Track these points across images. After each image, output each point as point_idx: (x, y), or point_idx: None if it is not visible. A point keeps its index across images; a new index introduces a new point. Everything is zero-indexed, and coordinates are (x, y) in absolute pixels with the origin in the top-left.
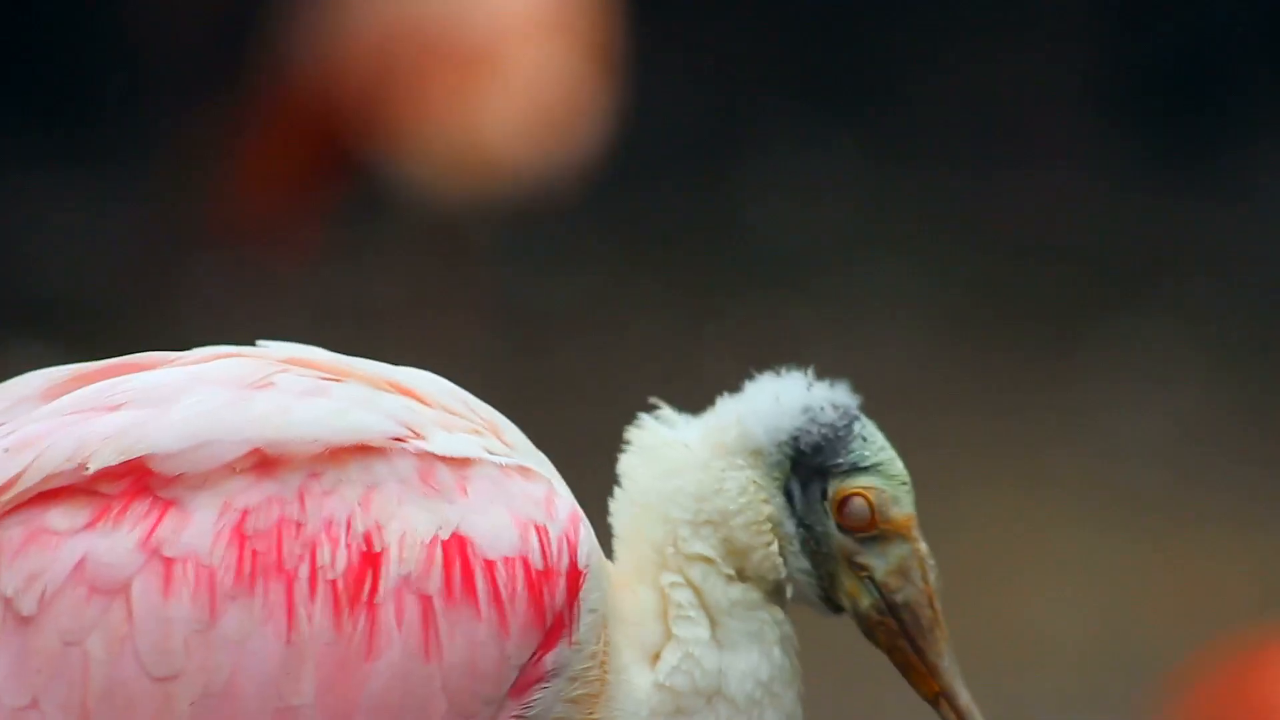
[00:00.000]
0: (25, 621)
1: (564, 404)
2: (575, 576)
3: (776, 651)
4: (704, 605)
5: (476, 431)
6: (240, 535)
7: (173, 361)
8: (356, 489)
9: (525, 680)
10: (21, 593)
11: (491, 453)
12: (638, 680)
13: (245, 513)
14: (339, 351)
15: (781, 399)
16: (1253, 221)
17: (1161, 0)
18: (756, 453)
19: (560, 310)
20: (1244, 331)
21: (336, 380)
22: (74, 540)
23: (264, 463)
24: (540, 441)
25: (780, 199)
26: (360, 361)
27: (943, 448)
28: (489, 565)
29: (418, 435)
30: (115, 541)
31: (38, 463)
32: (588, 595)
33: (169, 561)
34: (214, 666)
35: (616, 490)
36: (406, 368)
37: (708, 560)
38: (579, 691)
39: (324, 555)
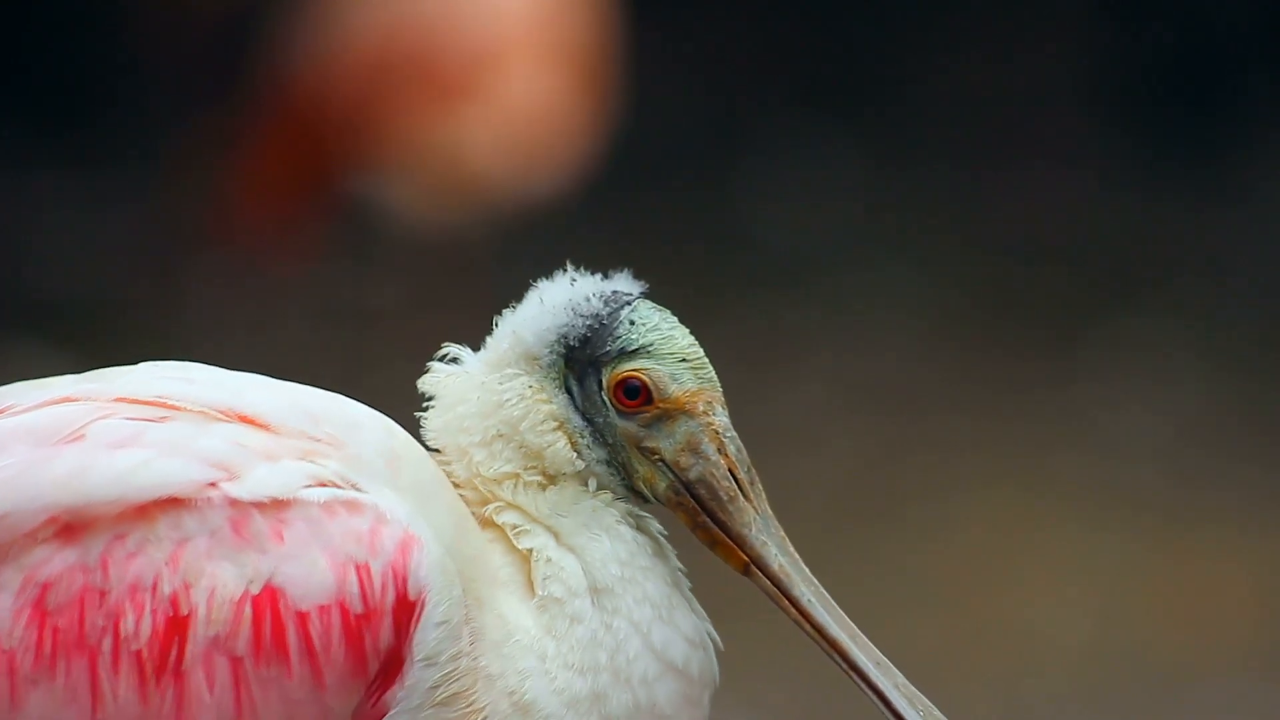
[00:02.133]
0: None
1: None
2: (406, 609)
3: (624, 530)
4: (532, 517)
5: (312, 454)
6: (42, 612)
7: (6, 409)
8: (165, 547)
9: (368, 718)
10: None
11: (322, 484)
12: (525, 621)
13: (46, 586)
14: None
15: (545, 300)
16: (1253, 222)
17: (1161, 0)
18: (530, 357)
19: None
20: (1244, 332)
21: (159, 420)
22: None
23: (66, 529)
24: None
25: (780, 200)
26: (211, 379)
27: (942, 447)
28: (301, 617)
29: (232, 476)
30: None
31: None
32: (432, 613)
33: None
34: None
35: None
36: (259, 379)
37: (512, 476)
38: (449, 691)
39: (128, 624)
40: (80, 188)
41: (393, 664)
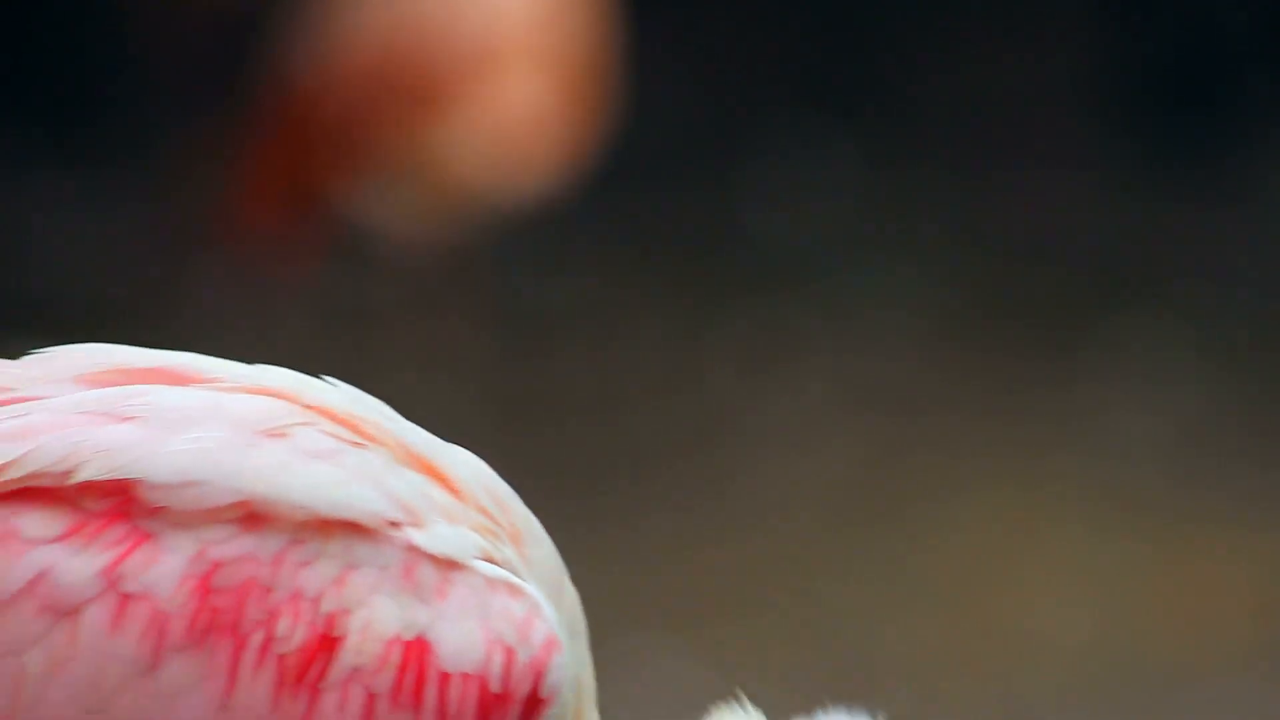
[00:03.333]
0: None
1: (563, 406)
2: (534, 706)
3: None
4: None
5: (491, 533)
6: (205, 586)
7: (215, 379)
8: (334, 566)
9: None
10: None
11: (490, 560)
12: None
13: (217, 565)
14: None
15: None
16: (1253, 223)
17: (1162, 1)
18: None
19: (559, 313)
20: (1244, 333)
21: (358, 445)
22: (41, 551)
23: (251, 516)
24: (540, 445)
25: (780, 200)
26: (406, 428)
27: (942, 448)
28: (444, 677)
29: (415, 523)
30: (80, 563)
31: (26, 458)
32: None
33: (125, 597)
34: (144, 712)
35: None
36: (459, 449)
37: None
38: None
39: (283, 627)
40: (80, 188)
41: None
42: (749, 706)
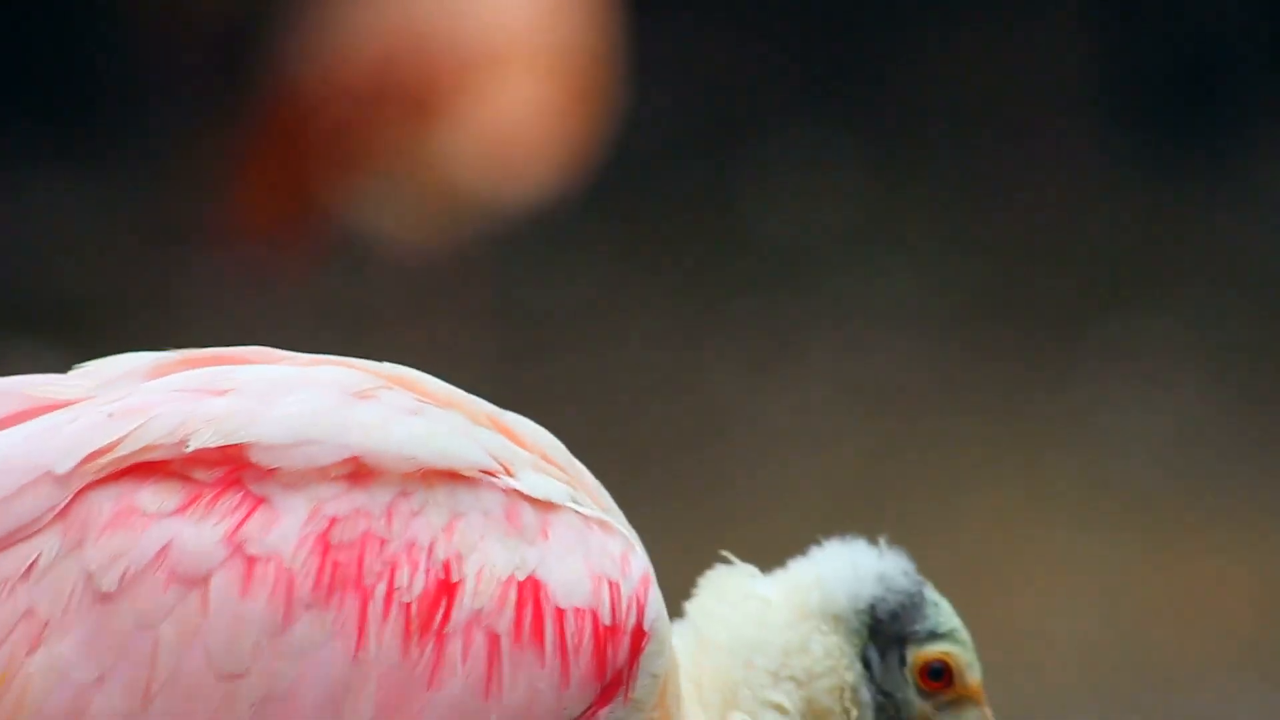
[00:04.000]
0: (104, 599)
1: (564, 406)
2: (640, 637)
3: None
4: None
5: (568, 482)
6: (324, 543)
7: (281, 359)
8: (442, 514)
9: None
10: (104, 570)
11: (577, 503)
12: None
13: (333, 521)
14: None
15: (859, 567)
16: (1253, 222)
17: (1163, 3)
18: (838, 618)
19: (560, 312)
20: (1244, 332)
21: (438, 406)
22: (162, 524)
23: (358, 472)
24: None
25: (780, 200)
26: (463, 395)
27: (942, 448)
28: (559, 613)
29: (509, 472)
30: (202, 531)
31: (139, 431)
32: (650, 658)
33: (251, 560)
34: (279, 672)
35: (684, 623)
36: (510, 412)
37: (782, 710)
38: None
39: (402, 577)
40: (79, 188)
41: (616, 683)
42: (738, 563)
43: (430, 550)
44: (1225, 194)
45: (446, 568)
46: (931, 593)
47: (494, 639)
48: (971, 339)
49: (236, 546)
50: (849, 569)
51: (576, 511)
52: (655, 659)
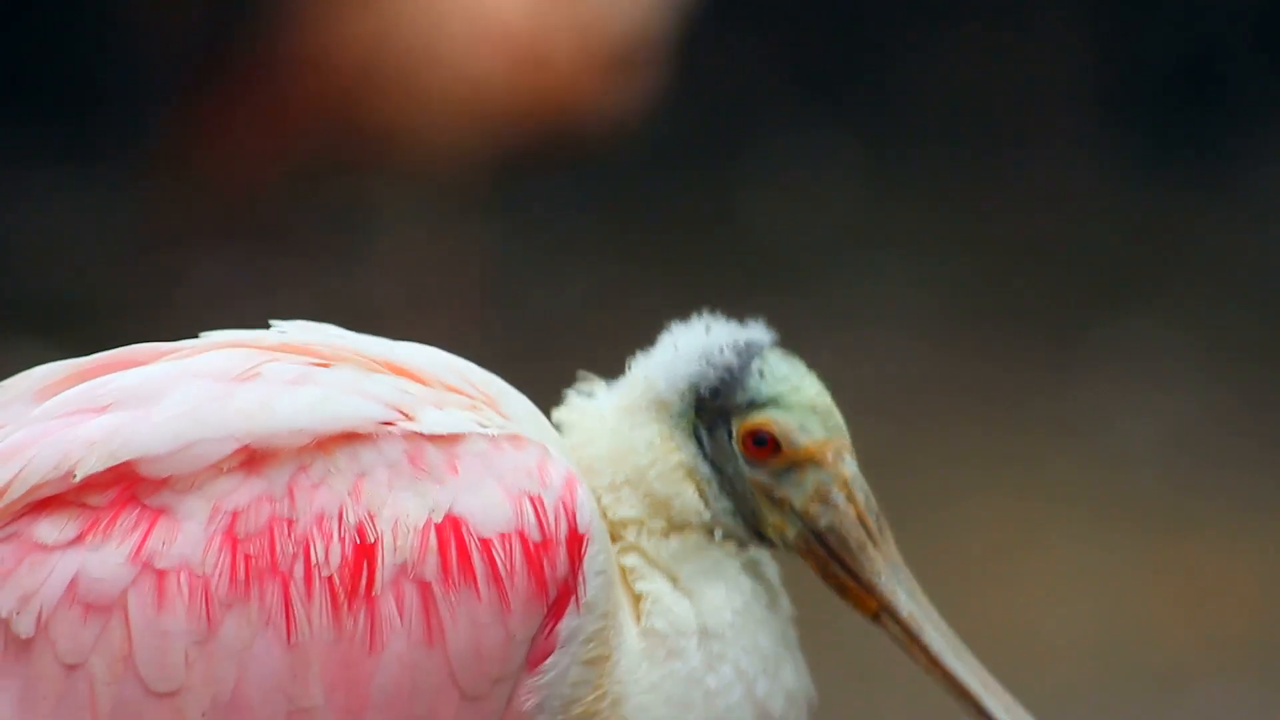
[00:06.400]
0: (26, 645)
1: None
2: (576, 542)
3: (744, 580)
4: (653, 561)
5: (472, 406)
6: (232, 539)
7: (167, 353)
8: (346, 479)
9: (539, 652)
10: (18, 614)
11: (484, 425)
12: (629, 629)
13: (235, 514)
14: None
15: (680, 347)
16: (1253, 224)
17: (1162, 4)
18: (661, 404)
19: (560, 311)
20: (1243, 335)
21: (326, 365)
22: (65, 556)
23: (251, 459)
24: None
25: (780, 200)
26: (358, 339)
27: (941, 449)
28: (485, 544)
29: (407, 416)
30: (106, 555)
31: (24, 473)
32: (593, 558)
33: (162, 573)
34: (218, 677)
35: None
36: (405, 343)
37: (637, 521)
38: (594, 653)
39: (318, 552)
40: (77, 186)
41: (565, 594)
42: (586, 380)
43: (340, 518)
44: (1225, 195)
45: (360, 530)
46: (764, 362)
47: (425, 587)
48: (970, 340)
49: (144, 564)
50: (670, 352)
51: (484, 436)
52: (599, 557)
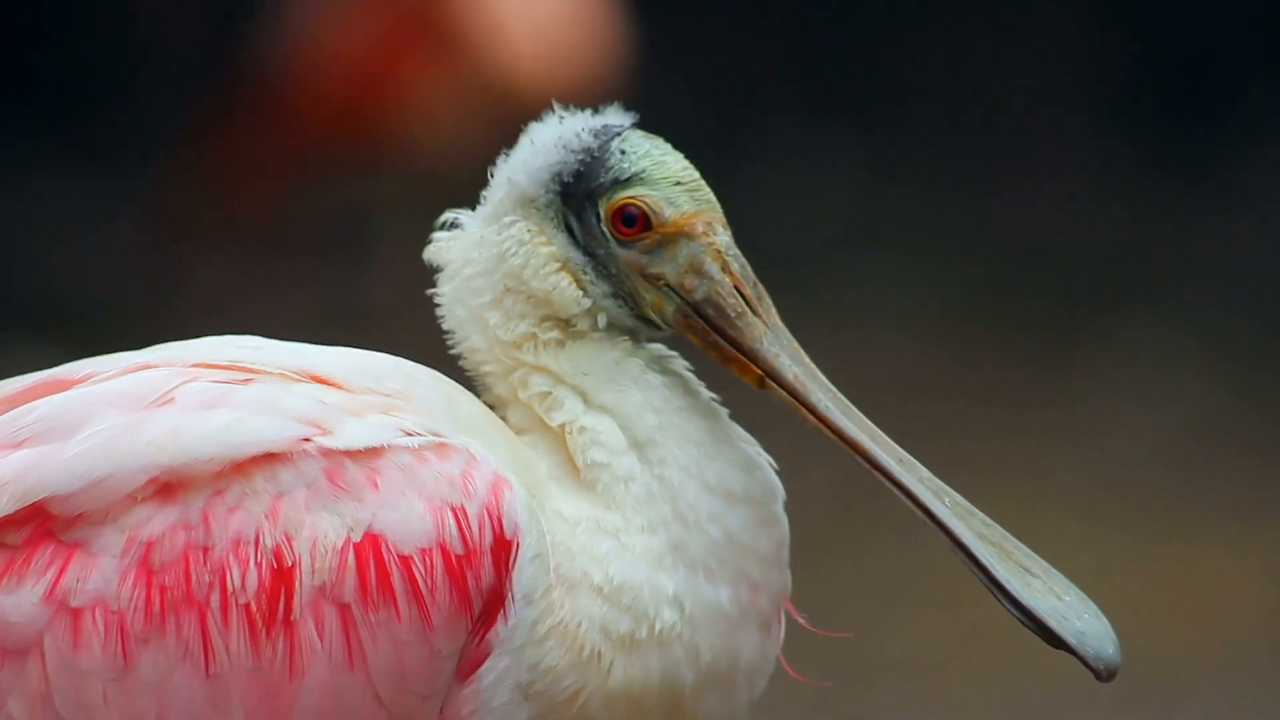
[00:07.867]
0: None
1: None
2: (504, 548)
3: (652, 376)
4: (558, 378)
5: (389, 410)
6: (147, 570)
7: (87, 378)
8: (263, 501)
9: (471, 661)
10: None
11: (407, 433)
12: (582, 508)
13: (150, 545)
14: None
15: (536, 140)
16: (1252, 225)
17: (1161, 5)
18: (526, 201)
19: None
20: (1242, 333)
21: (244, 383)
22: None
23: (165, 489)
24: None
25: (780, 202)
26: (281, 349)
27: (941, 449)
28: (404, 561)
29: (324, 431)
30: (21, 598)
31: None
32: (526, 550)
33: (76, 612)
34: (137, 713)
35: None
36: (325, 348)
37: (529, 337)
38: (545, 628)
39: (234, 579)
40: (80, 188)
41: (494, 603)
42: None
43: (257, 542)
44: (1225, 195)
45: (278, 554)
46: (625, 141)
47: (344, 609)
48: (971, 339)
49: (59, 603)
50: (528, 147)
51: (405, 447)
52: (531, 551)
